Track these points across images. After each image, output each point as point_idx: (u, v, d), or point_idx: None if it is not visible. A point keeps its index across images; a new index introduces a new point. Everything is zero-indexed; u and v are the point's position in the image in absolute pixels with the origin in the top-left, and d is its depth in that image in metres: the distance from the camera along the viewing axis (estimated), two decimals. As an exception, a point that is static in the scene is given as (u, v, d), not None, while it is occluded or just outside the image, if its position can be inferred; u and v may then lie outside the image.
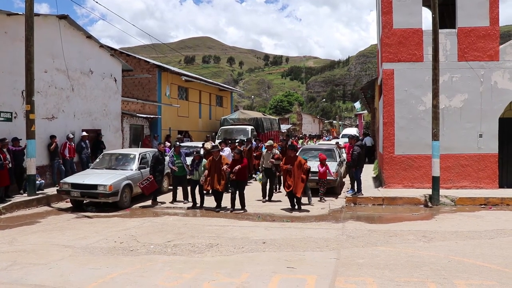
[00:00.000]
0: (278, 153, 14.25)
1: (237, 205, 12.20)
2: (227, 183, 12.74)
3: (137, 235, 9.24)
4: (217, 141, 16.96)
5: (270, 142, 14.65)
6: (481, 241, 8.68)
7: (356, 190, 13.59)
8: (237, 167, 12.00)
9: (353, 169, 13.78)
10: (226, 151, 15.59)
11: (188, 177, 13.14)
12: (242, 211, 11.98)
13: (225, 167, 12.12)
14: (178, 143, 17.82)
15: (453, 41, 14.26)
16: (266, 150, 14.35)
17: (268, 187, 13.90)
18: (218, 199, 12.45)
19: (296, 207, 12.25)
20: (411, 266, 6.94)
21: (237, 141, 18.62)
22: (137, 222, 10.82)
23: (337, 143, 19.08)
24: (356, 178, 13.67)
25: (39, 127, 14.26)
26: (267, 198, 13.82)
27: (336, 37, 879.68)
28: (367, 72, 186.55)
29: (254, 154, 17.34)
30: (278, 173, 13.90)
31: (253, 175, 12.91)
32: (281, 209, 12.27)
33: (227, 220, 11.04)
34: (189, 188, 13.17)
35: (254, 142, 19.27)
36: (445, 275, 6.50)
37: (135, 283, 6.25)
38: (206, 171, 12.25)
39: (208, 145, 13.57)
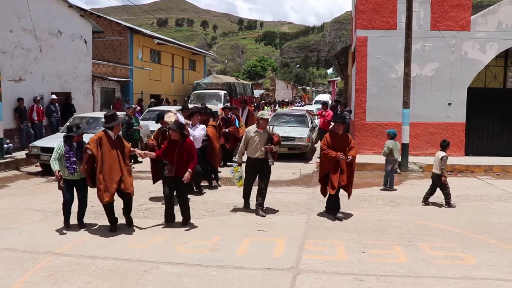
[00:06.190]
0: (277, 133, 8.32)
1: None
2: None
3: (109, 199, 9.17)
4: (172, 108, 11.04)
5: (263, 113, 8.29)
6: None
7: None
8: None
9: None
10: (200, 130, 9.64)
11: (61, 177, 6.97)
12: (188, 227, 7.23)
13: (140, 152, 7.67)
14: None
15: (427, 10, 14.33)
16: (256, 127, 8.14)
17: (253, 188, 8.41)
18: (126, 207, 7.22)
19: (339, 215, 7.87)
20: (378, 230, 7.18)
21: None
22: (109, 186, 10.76)
23: (307, 110, 19.00)
24: None
25: (6, 90, 13.79)
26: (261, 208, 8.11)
27: (311, 3, 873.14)
28: (341, 39, 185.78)
29: (227, 130, 12.45)
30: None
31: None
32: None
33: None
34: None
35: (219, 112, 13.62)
36: (410, 238, 6.76)
37: (106, 246, 6.28)
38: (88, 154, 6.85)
39: (172, 117, 8.12)
